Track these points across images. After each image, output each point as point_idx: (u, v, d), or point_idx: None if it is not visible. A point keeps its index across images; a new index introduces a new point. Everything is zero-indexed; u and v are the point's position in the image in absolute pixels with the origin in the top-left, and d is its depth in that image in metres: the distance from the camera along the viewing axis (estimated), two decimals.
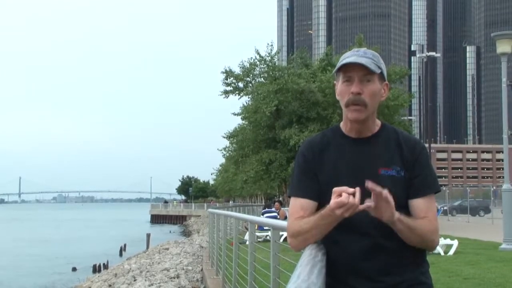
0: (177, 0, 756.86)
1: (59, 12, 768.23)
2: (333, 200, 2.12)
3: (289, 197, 2.53)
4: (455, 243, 14.52)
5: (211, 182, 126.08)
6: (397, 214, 2.20)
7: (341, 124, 2.50)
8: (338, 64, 2.39)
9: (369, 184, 2.11)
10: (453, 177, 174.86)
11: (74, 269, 30.68)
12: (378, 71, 2.37)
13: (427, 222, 2.32)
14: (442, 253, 13.93)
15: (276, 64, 37.88)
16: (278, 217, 19.17)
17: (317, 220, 2.26)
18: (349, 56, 2.38)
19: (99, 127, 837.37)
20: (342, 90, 2.40)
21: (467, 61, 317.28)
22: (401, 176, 2.37)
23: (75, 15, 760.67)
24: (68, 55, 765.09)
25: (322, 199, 2.37)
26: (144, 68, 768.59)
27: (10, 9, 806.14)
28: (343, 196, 2.10)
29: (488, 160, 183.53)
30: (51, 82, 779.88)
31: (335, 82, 2.49)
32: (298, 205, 2.40)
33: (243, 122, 42.06)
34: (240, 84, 37.57)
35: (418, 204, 2.36)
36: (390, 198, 2.14)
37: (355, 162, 2.38)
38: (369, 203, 2.12)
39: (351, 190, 2.11)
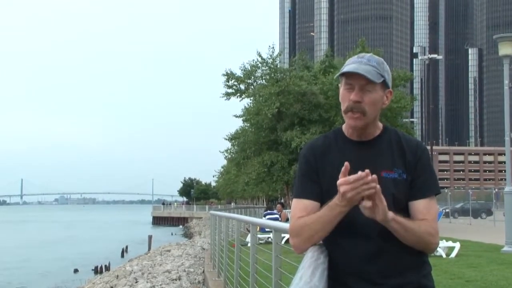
0: (177, 1, 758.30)
1: (59, 12, 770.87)
2: (342, 179, 2.15)
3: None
4: (457, 245, 14.52)
5: (213, 184, 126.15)
6: (391, 214, 2.20)
7: (343, 127, 2.51)
8: (340, 71, 2.40)
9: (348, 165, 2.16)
10: (455, 180, 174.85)
11: (75, 270, 30.71)
12: (379, 80, 2.36)
13: (424, 224, 2.31)
14: (444, 256, 13.92)
15: (278, 66, 37.90)
16: (280, 219, 19.17)
17: (323, 212, 2.26)
18: (352, 63, 2.38)
19: (100, 128, 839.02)
20: (343, 96, 2.41)
21: (469, 63, 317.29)
22: (403, 178, 2.38)
23: (75, 15, 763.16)
24: (68, 55, 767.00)
25: (324, 201, 2.37)
26: (145, 68, 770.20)
27: (10, 9, 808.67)
28: (352, 176, 2.13)
29: (490, 162, 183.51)
30: (51, 82, 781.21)
31: (339, 85, 2.50)
32: (300, 206, 2.40)
33: (245, 124, 42.07)
34: (242, 86, 37.59)
35: (418, 205, 2.36)
36: (378, 186, 2.15)
37: (357, 164, 2.38)
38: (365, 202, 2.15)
39: (353, 177, 2.13)
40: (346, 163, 2.16)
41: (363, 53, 2.48)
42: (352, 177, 2.12)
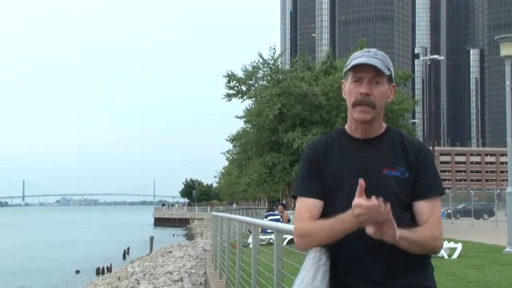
0: (178, 2, 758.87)
1: (59, 12, 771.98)
2: (358, 202, 2.10)
3: (293, 197, 2.53)
4: (459, 246, 14.49)
5: (215, 185, 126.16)
6: (398, 233, 2.16)
7: (346, 126, 2.51)
8: (349, 64, 2.40)
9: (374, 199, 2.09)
10: (456, 180, 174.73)
11: (77, 272, 30.70)
12: (388, 72, 2.38)
13: (429, 229, 2.30)
14: (446, 257, 13.90)
15: (279, 67, 37.90)
16: (281, 220, 19.17)
17: (332, 224, 2.25)
18: (360, 56, 2.39)
19: (101, 129, 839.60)
20: (350, 89, 2.41)
21: (471, 64, 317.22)
22: (406, 177, 2.37)
23: (75, 16, 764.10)
24: (68, 55, 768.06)
25: (327, 199, 2.38)
26: (145, 69, 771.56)
27: (10, 9, 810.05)
28: (367, 203, 2.08)
29: (492, 163, 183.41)
30: (51, 82, 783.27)
31: (343, 81, 2.50)
32: (305, 205, 2.40)
33: (246, 125, 42.08)
34: (243, 88, 37.61)
35: (422, 206, 2.35)
36: (390, 216, 2.10)
37: (359, 161, 2.38)
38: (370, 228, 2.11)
39: (367, 204, 2.07)
40: (361, 182, 2.11)
41: (366, 48, 2.49)
42: (367, 204, 2.07)
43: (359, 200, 2.10)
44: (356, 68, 2.37)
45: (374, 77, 2.36)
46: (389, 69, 2.39)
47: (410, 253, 2.30)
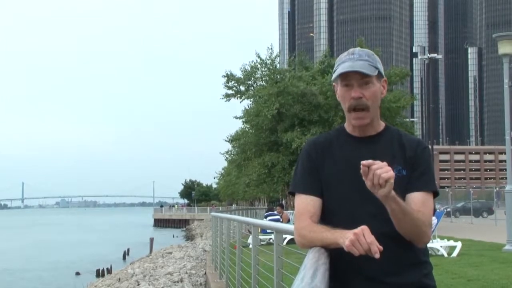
0: (177, 2, 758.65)
1: (59, 12, 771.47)
2: (353, 239, 2.12)
3: (290, 193, 2.56)
4: (459, 244, 14.50)
5: (214, 185, 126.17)
6: (393, 192, 2.18)
7: (345, 125, 2.54)
8: (335, 72, 2.42)
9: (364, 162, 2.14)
10: (456, 179, 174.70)
11: (77, 273, 30.69)
12: (375, 73, 2.39)
13: (421, 213, 2.31)
14: (446, 255, 13.92)
15: (277, 67, 37.88)
16: (281, 220, 19.17)
17: (324, 239, 2.28)
18: (344, 61, 2.40)
19: (100, 130, 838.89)
20: (343, 95, 2.43)
21: (469, 62, 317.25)
22: (403, 175, 2.39)
23: (75, 16, 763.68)
24: (68, 56, 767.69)
25: (325, 196, 2.41)
26: (145, 69, 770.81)
27: (10, 9, 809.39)
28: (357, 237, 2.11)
29: (490, 161, 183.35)
30: (51, 83, 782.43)
31: (334, 84, 2.51)
32: (305, 202, 2.42)
33: (245, 125, 42.04)
34: (242, 88, 37.59)
35: (413, 198, 2.36)
36: (392, 174, 2.13)
37: (358, 159, 2.39)
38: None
39: (359, 240, 2.11)
40: (365, 162, 2.15)
41: (351, 49, 2.49)
42: (358, 239, 2.11)
43: (353, 238, 2.11)
44: (344, 74, 2.39)
45: (362, 78, 2.38)
46: (376, 68, 2.40)
47: (410, 245, 2.32)
